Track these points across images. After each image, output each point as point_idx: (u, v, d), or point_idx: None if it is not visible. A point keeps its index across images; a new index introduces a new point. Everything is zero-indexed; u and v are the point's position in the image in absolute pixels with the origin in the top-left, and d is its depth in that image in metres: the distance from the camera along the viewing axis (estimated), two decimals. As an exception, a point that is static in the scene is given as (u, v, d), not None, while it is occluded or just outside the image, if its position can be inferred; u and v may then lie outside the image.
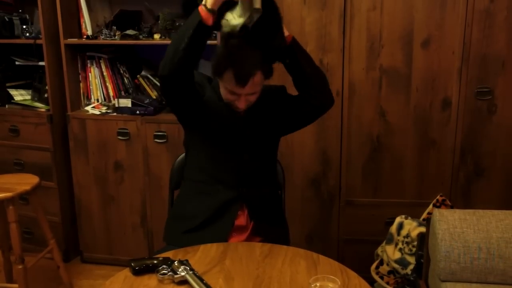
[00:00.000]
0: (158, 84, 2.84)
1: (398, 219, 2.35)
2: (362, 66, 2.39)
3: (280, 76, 1.80)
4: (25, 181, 2.35)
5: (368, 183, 2.53)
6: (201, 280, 1.33)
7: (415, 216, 2.29)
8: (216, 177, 1.73)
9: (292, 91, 1.80)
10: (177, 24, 2.68)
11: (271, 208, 1.83)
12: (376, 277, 2.30)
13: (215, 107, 1.70)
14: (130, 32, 2.70)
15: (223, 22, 1.51)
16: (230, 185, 1.72)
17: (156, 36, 2.71)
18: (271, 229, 1.77)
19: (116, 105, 2.73)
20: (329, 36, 2.38)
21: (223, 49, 1.57)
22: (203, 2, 1.47)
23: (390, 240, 2.30)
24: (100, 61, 2.81)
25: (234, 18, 1.49)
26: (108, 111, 2.76)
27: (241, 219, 1.73)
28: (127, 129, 2.69)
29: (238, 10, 1.48)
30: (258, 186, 1.78)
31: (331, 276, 1.27)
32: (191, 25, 1.47)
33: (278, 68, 1.71)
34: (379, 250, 2.39)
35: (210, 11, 1.45)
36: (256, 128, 1.75)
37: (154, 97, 2.81)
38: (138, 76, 2.85)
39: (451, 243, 1.75)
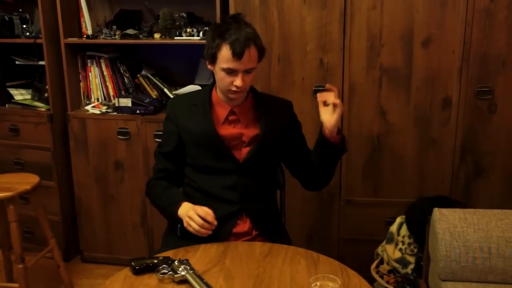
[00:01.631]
0: (159, 83, 2.85)
1: (398, 219, 2.35)
2: (362, 66, 2.39)
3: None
4: (25, 181, 2.35)
5: (368, 182, 2.53)
6: (201, 279, 1.33)
7: (415, 215, 2.29)
8: (217, 195, 1.71)
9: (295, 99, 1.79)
10: (177, 23, 2.68)
11: (272, 219, 1.82)
12: (376, 276, 2.30)
13: (197, 137, 1.72)
14: (130, 31, 2.70)
15: None
16: (231, 201, 1.70)
17: (156, 35, 2.71)
18: (273, 236, 1.75)
19: (116, 105, 2.73)
20: (329, 36, 2.38)
21: (217, 27, 1.63)
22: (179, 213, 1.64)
23: (390, 240, 2.30)
24: (100, 60, 2.81)
25: None
26: (108, 110, 2.76)
27: (240, 227, 1.71)
28: (127, 129, 2.70)
29: None
30: (259, 199, 1.76)
31: (331, 276, 1.27)
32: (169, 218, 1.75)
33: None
34: (379, 250, 2.39)
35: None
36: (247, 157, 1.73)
37: (154, 97, 2.81)
38: (138, 75, 2.85)
39: (451, 243, 1.75)
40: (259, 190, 1.77)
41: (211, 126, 1.69)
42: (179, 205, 1.64)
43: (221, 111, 1.73)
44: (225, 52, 1.58)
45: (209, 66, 1.69)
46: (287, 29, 2.40)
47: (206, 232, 1.56)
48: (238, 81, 1.61)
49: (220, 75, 1.64)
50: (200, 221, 1.55)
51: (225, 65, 1.60)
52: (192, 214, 1.57)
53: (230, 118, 1.73)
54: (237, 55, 1.56)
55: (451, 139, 2.41)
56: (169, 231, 1.83)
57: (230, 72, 1.60)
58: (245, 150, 1.73)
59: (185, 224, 1.59)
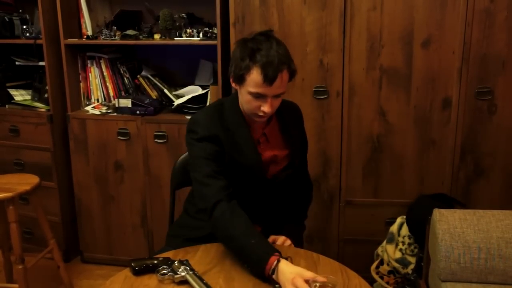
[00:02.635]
0: (159, 84, 2.85)
1: (399, 220, 2.35)
2: (362, 66, 2.39)
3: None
4: (25, 181, 2.35)
5: (368, 183, 2.53)
6: (201, 280, 1.33)
7: (415, 216, 2.29)
8: None
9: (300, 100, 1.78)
10: (177, 24, 2.68)
11: (278, 224, 1.78)
12: (376, 277, 2.30)
13: (241, 167, 1.58)
14: (130, 32, 2.70)
15: None
16: (245, 209, 1.57)
17: (156, 36, 2.71)
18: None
19: (116, 105, 2.73)
20: (329, 36, 2.38)
21: (246, 42, 1.48)
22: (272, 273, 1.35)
23: (391, 240, 2.30)
24: (100, 61, 2.81)
25: None
26: (108, 111, 2.76)
27: None
28: (127, 129, 2.70)
29: None
30: (273, 209, 1.74)
31: (331, 276, 1.27)
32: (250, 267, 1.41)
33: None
34: (379, 250, 2.39)
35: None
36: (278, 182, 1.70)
37: (154, 97, 2.81)
38: (138, 76, 2.86)
39: (451, 243, 1.75)
40: (276, 202, 1.74)
41: (260, 163, 1.60)
42: (277, 262, 1.35)
43: (253, 134, 1.62)
44: (255, 75, 1.43)
45: (233, 85, 1.55)
46: (287, 30, 2.41)
47: None
48: (266, 107, 1.48)
49: (246, 98, 1.50)
50: None
51: (253, 89, 1.46)
52: None
53: (261, 140, 1.64)
54: (268, 80, 1.42)
55: (451, 139, 2.41)
56: (175, 232, 1.81)
57: (258, 96, 1.47)
58: (273, 169, 1.66)
59: None
